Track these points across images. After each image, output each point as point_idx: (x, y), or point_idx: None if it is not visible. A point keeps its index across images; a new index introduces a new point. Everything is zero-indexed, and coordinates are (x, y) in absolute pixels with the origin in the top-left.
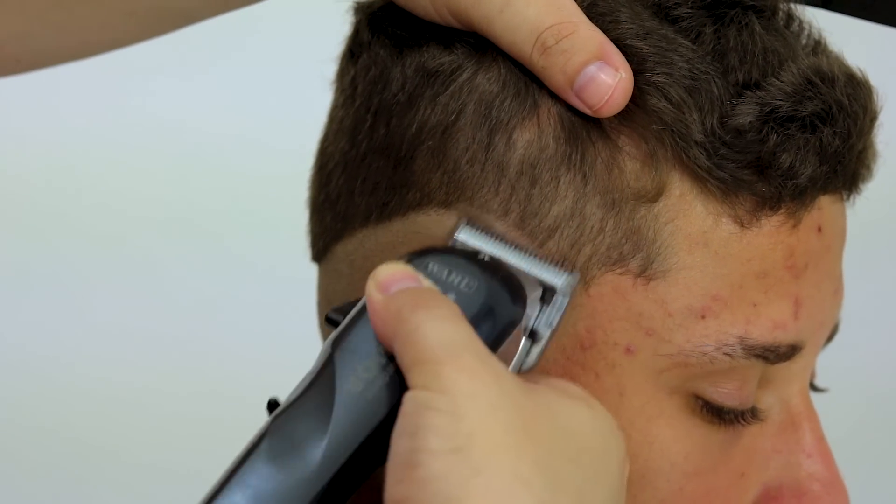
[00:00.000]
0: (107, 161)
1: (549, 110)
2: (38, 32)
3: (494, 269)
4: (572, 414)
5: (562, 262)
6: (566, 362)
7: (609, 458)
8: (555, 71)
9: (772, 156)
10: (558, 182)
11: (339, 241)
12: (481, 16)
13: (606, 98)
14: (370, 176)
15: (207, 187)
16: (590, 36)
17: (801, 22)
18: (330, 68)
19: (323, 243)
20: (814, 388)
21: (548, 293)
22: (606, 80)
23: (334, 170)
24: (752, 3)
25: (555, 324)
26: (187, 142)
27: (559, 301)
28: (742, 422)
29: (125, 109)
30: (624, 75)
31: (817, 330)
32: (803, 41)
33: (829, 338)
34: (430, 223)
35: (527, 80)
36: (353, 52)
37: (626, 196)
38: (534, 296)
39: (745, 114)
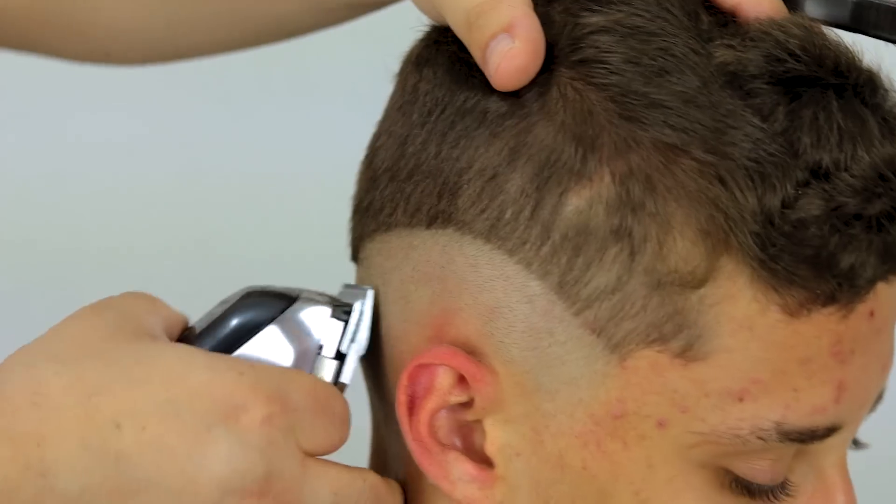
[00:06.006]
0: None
1: (603, 177)
2: (151, 27)
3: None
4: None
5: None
6: (595, 427)
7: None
8: (474, 47)
9: (832, 256)
10: (604, 254)
11: (373, 240)
12: (440, 3)
13: (497, 66)
14: (415, 195)
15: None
16: (505, 12)
17: (885, 92)
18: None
19: (360, 244)
20: (855, 443)
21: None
22: (503, 49)
23: (382, 176)
24: (834, 81)
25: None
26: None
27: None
28: (772, 498)
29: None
30: (518, 45)
31: (859, 410)
32: (882, 114)
33: (873, 407)
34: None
35: (587, 140)
36: (419, 60)
37: (673, 278)
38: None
39: (809, 207)
